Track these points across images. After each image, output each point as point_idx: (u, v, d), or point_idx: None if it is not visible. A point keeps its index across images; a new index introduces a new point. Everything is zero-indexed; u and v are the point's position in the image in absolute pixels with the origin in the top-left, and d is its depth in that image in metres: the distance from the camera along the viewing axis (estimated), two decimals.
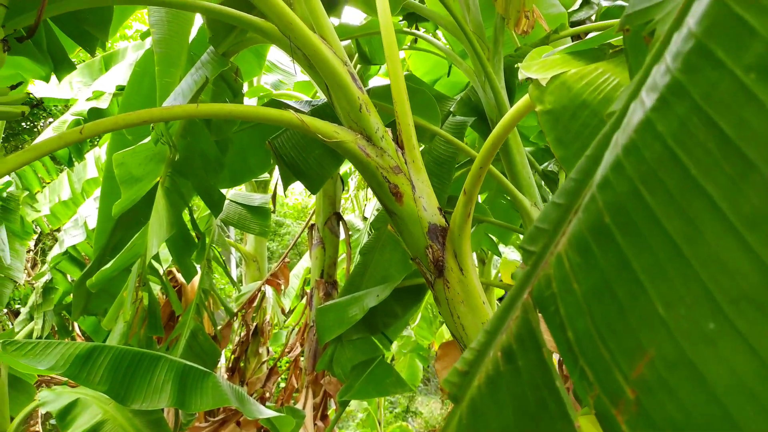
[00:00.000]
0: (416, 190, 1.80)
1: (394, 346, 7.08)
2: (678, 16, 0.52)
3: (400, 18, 3.76)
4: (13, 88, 1.63)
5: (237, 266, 9.14)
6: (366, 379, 3.04)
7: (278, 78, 4.97)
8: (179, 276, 4.11)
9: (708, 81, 0.46)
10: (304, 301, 4.95)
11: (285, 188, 2.57)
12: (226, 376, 4.72)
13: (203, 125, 2.65)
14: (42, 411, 4.19)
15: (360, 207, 7.64)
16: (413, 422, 11.85)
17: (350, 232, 5.86)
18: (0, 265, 4.02)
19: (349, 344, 3.31)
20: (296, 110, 2.95)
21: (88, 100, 4.39)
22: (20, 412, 3.89)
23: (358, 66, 3.98)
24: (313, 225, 3.91)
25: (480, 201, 4.27)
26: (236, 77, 2.42)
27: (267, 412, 2.40)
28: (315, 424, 3.49)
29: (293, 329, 4.90)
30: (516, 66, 3.39)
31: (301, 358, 4.02)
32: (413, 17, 3.71)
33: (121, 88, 4.41)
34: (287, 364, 4.33)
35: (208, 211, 4.04)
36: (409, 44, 4.17)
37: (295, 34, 1.64)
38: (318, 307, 3.18)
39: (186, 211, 3.04)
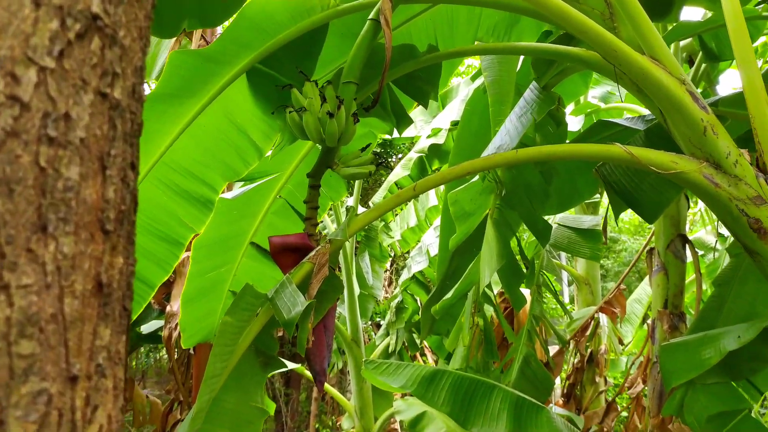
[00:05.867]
0: None
1: None
2: None
3: (757, 2, 3.13)
4: (363, 150, 1.90)
5: (569, 285, 8.94)
6: None
7: (606, 90, 4.66)
8: None
9: None
10: (645, 328, 4.51)
11: (616, 218, 2.37)
12: (561, 402, 4.61)
13: None
14: (396, 418, 4.78)
15: (712, 221, 6.56)
16: None
17: (700, 253, 5.11)
18: (364, 284, 4.80)
19: (703, 389, 2.85)
20: (627, 129, 2.73)
21: (428, 137, 4.88)
22: (382, 414, 4.53)
23: (703, 65, 3.46)
24: (652, 249, 3.53)
25: None
26: (558, 106, 2.36)
27: None
28: None
29: (635, 360, 4.50)
30: None
31: (644, 396, 3.65)
32: None
33: (455, 123, 4.79)
34: (627, 400, 3.99)
35: None
36: None
37: (620, 59, 1.49)
38: (663, 345, 2.83)
39: (514, 241, 3.09)
